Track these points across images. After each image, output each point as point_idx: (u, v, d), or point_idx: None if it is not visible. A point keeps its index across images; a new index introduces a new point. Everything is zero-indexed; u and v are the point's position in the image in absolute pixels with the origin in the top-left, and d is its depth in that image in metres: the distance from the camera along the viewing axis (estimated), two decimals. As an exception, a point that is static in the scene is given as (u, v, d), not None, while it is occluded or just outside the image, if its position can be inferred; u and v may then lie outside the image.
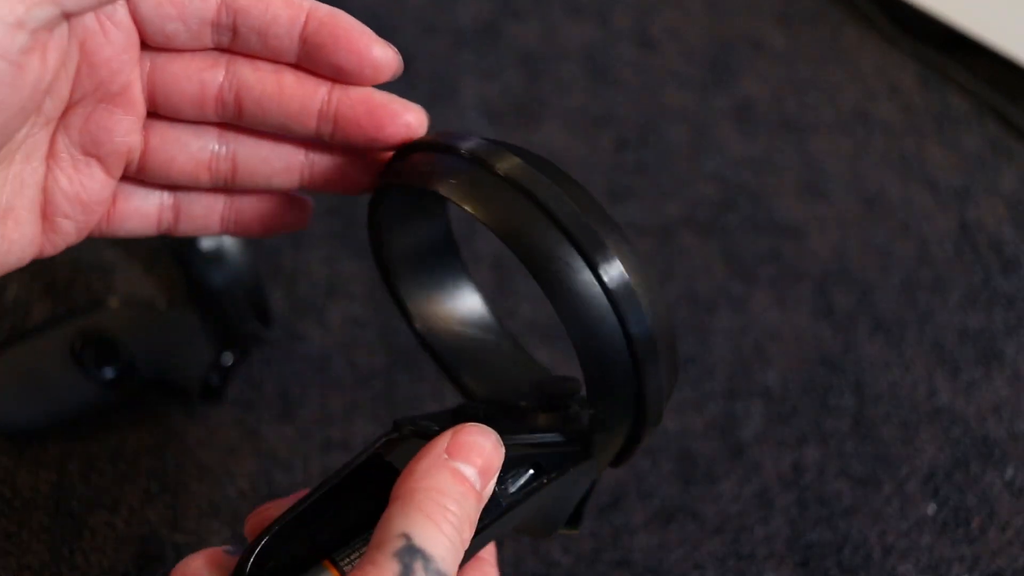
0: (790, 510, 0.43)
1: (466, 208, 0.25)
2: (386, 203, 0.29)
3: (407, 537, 0.24)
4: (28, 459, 0.42)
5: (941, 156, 0.59)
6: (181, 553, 0.40)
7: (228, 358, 0.42)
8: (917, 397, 0.47)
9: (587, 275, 0.24)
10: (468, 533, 0.25)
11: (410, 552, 0.23)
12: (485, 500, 0.26)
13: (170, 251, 0.42)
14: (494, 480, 0.26)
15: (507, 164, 0.25)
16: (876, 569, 0.42)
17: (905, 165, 0.58)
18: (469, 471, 0.25)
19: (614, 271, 0.24)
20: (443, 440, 0.26)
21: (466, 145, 0.26)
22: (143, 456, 0.43)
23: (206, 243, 0.40)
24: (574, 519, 0.30)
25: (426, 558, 0.24)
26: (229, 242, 0.40)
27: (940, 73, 0.63)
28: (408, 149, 0.28)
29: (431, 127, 0.29)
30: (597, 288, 0.24)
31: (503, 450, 0.26)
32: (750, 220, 0.55)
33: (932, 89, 0.62)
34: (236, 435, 0.44)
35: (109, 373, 0.40)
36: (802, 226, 0.54)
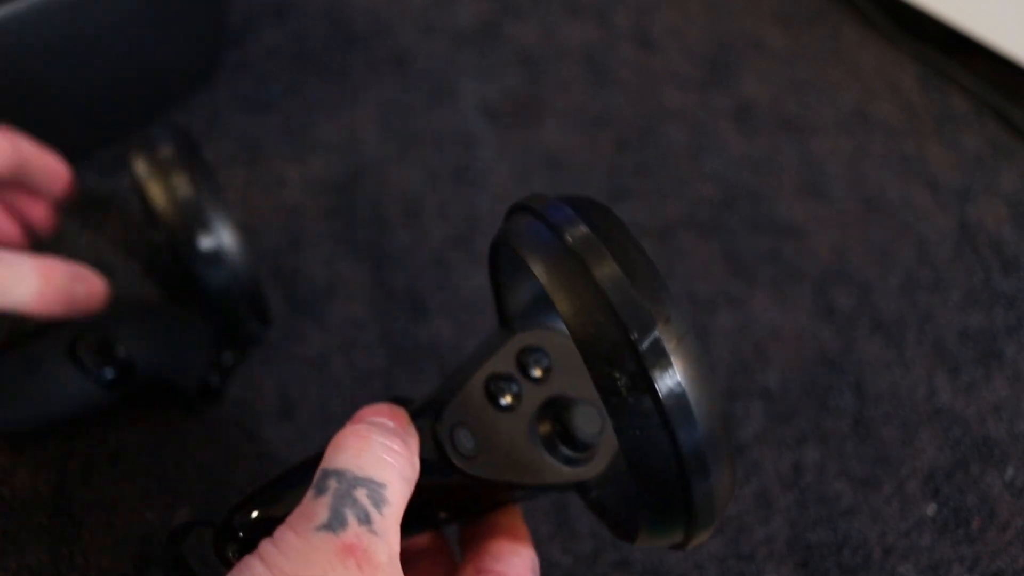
0: (790, 510, 0.43)
1: (546, 290, 0.25)
2: (502, 254, 0.30)
3: (321, 470, 0.27)
4: (28, 459, 0.42)
5: (941, 156, 0.59)
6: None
7: (228, 358, 0.42)
8: (917, 397, 0.47)
9: (645, 400, 0.23)
10: (386, 454, 0.27)
11: (323, 476, 0.26)
12: (405, 437, 0.28)
13: (170, 251, 0.42)
14: (408, 424, 0.29)
15: (602, 270, 0.24)
16: (876, 569, 0.42)
17: (905, 165, 0.58)
18: (371, 419, 0.28)
19: (671, 381, 0.23)
20: (370, 406, 0.29)
21: (570, 231, 0.25)
22: (143, 456, 0.43)
23: (205, 243, 0.39)
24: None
25: (339, 473, 0.26)
26: (229, 242, 0.40)
27: (940, 73, 0.63)
28: (522, 208, 0.28)
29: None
30: (651, 405, 0.23)
31: (400, 409, 0.29)
32: (750, 220, 0.54)
33: (932, 89, 0.62)
34: (236, 435, 0.44)
35: (109, 373, 0.40)
36: (802, 226, 0.54)
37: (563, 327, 0.30)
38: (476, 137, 0.56)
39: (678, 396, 0.23)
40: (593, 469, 0.30)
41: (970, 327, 0.50)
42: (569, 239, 0.25)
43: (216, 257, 0.38)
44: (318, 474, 0.27)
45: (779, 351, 0.49)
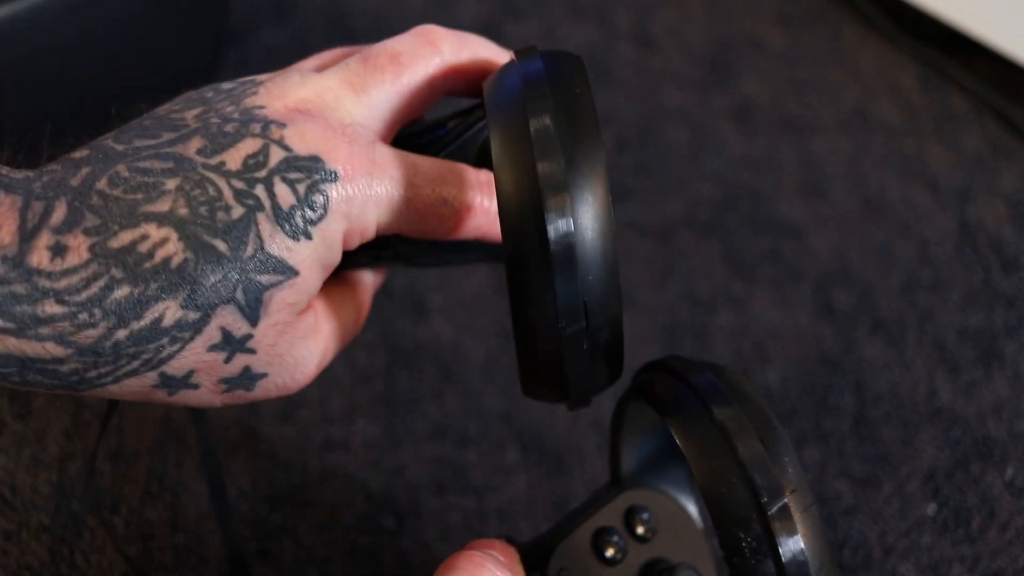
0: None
1: (685, 454, 0.26)
2: (631, 410, 0.31)
3: None
4: (28, 459, 0.42)
5: (941, 156, 0.59)
6: (181, 553, 0.40)
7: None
8: (917, 397, 0.47)
9: (768, 563, 0.25)
10: None
11: None
12: (506, 564, 0.28)
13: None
14: (517, 562, 0.29)
15: (745, 444, 0.26)
16: (876, 569, 0.42)
17: (905, 165, 0.58)
18: (483, 550, 0.28)
19: (795, 547, 0.25)
20: (488, 540, 0.29)
21: (717, 405, 0.27)
22: (143, 456, 0.43)
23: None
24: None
25: None
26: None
27: (940, 73, 0.63)
28: (661, 366, 0.30)
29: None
30: (772, 569, 0.25)
31: (512, 548, 0.29)
32: (750, 220, 0.54)
33: (932, 89, 0.62)
34: (236, 435, 0.44)
35: None
36: (802, 226, 0.54)
37: (672, 491, 0.32)
38: (476, 137, 0.56)
39: (800, 563, 0.24)
40: None
41: (970, 327, 0.50)
42: (716, 412, 0.26)
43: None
44: None
45: (779, 351, 0.49)
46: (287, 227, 0.25)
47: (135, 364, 0.24)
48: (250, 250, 0.25)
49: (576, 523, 0.31)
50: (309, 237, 0.26)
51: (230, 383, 0.26)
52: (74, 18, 0.44)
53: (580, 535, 0.31)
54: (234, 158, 0.26)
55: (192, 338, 0.24)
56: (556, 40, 0.64)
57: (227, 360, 0.25)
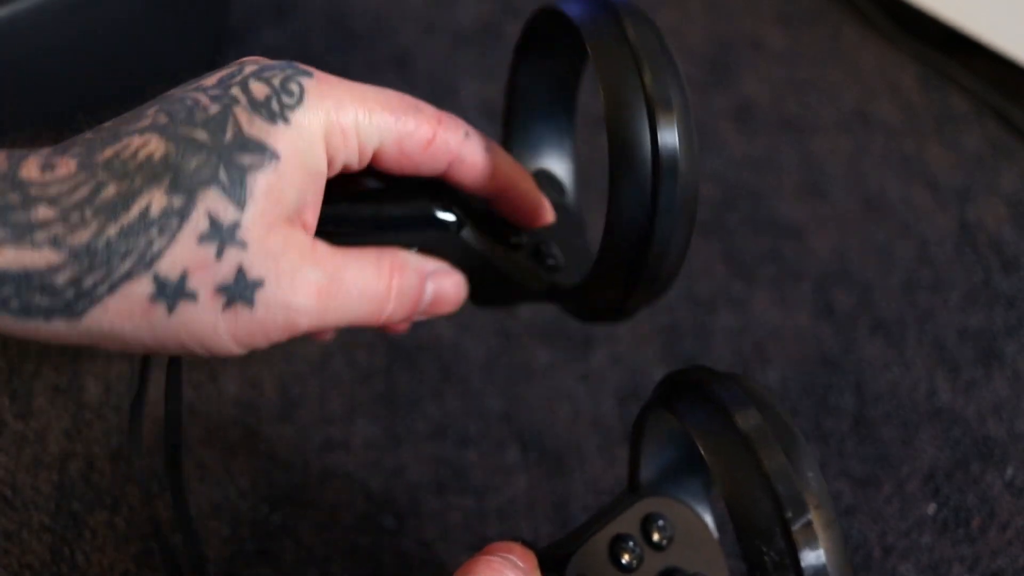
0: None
1: (710, 466, 0.26)
2: (653, 419, 0.31)
3: None
4: (28, 458, 0.42)
5: (941, 156, 0.59)
6: (181, 553, 0.40)
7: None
8: (917, 397, 0.47)
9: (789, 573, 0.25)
10: None
11: None
12: (525, 570, 0.28)
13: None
14: (536, 568, 0.29)
15: (770, 458, 0.26)
16: (876, 569, 0.42)
17: (905, 165, 0.58)
18: (503, 555, 0.28)
19: (816, 562, 0.25)
20: (506, 543, 0.29)
21: (742, 416, 0.27)
22: (143, 455, 0.43)
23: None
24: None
25: None
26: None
27: (940, 73, 0.63)
28: (686, 376, 0.30)
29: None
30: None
31: (531, 553, 0.29)
32: (750, 220, 0.55)
33: (932, 89, 0.62)
34: (236, 435, 0.44)
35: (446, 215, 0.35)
36: (802, 226, 0.54)
37: (689, 500, 0.32)
38: (476, 137, 0.56)
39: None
40: None
41: (970, 327, 0.50)
42: (741, 424, 0.26)
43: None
44: None
45: (779, 351, 0.49)
46: (264, 112, 0.27)
47: (128, 263, 0.24)
48: (229, 135, 0.26)
49: (594, 529, 0.31)
50: (287, 121, 0.27)
51: (229, 293, 0.26)
52: (74, 18, 0.45)
53: (597, 541, 0.31)
54: (210, 79, 0.28)
55: (180, 226, 0.25)
56: (556, 40, 0.64)
57: (218, 255, 0.25)
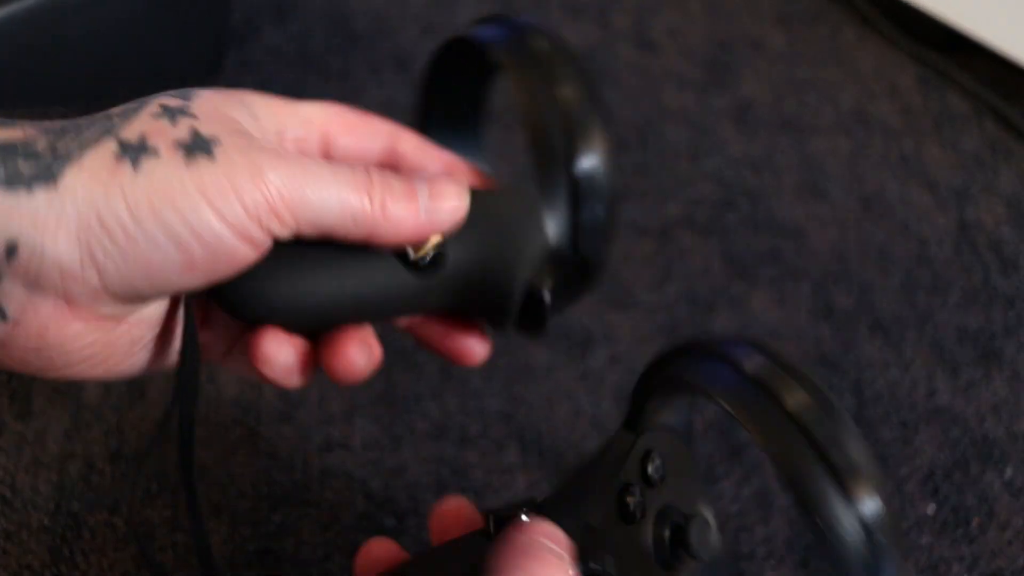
0: (790, 510, 0.43)
1: (748, 430, 0.27)
2: (652, 392, 0.31)
3: None
4: (28, 459, 0.42)
5: (940, 156, 0.59)
6: (181, 553, 0.40)
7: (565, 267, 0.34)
8: (916, 397, 0.47)
9: (855, 529, 0.26)
10: None
11: None
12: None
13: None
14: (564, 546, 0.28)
15: (794, 399, 0.27)
16: (875, 569, 0.42)
17: (904, 165, 0.58)
18: (551, 545, 0.27)
19: (876, 511, 0.26)
20: (537, 523, 0.28)
21: (749, 364, 0.28)
22: (143, 456, 0.43)
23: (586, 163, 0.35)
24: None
25: None
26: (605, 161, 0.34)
27: (939, 74, 0.63)
28: (683, 350, 0.30)
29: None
30: (860, 536, 0.26)
31: (566, 539, 0.28)
32: (750, 220, 0.55)
33: (931, 89, 0.63)
34: (236, 435, 0.44)
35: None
36: (802, 226, 0.54)
37: (676, 427, 0.32)
38: (476, 137, 0.56)
39: (880, 517, 0.25)
40: None
41: (969, 327, 0.50)
42: (751, 371, 0.27)
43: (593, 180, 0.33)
44: None
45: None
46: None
47: (94, 132, 0.26)
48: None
49: (602, 480, 0.31)
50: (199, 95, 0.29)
51: (186, 147, 0.26)
52: (76, 18, 0.45)
53: (605, 490, 0.30)
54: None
55: (136, 111, 0.27)
56: (556, 40, 0.64)
57: (172, 122, 0.27)
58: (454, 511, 0.33)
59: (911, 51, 0.64)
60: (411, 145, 0.33)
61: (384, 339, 0.48)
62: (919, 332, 0.50)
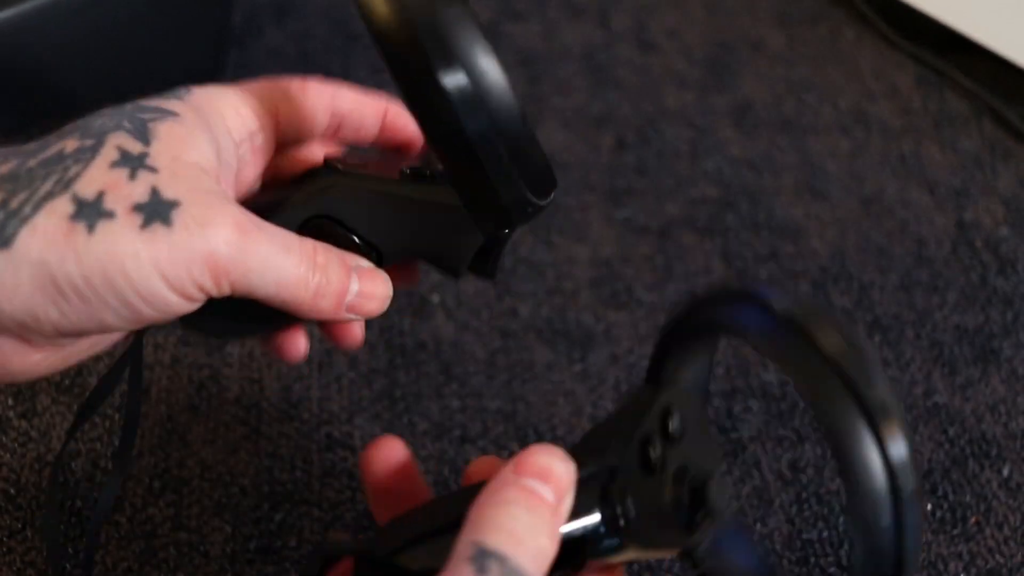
0: (789, 508, 0.43)
1: (782, 369, 0.27)
2: (678, 340, 0.31)
3: (477, 544, 0.25)
4: (32, 457, 0.42)
5: (939, 157, 0.59)
6: (183, 552, 0.40)
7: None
8: (914, 396, 0.48)
9: (881, 471, 0.26)
10: (546, 540, 0.26)
11: (482, 555, 0.24)
12: (562, 514, 0.27)
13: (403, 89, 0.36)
14: (568, 495, 0.27)
15: (827, 339, 0.27)
16: (874, 567, 0.42)
17: (903, 165, 0.58)
18: (536, 484, 0.27)
19: (902, 451, 0.26)
20: (511, 461, 0.27)
21: (780, 305, 0.27)
22: (145, 455, 0.43)
23: (452, 79, 0.33)
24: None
25: (500, 558, 0.24)
26: (487, 74, 0.32)
27: (938, 74, 0.64)
28: (713, 295, 0.30)
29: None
30: (884, 475, 0.26)
31: (572, 465, 0.28)
32: (750, 220, 0.55)
33: (930, 90, 0.63)
34: (238, 434, 0.44)
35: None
36: (801, 226, 0.55)
37: (693, 389, 0.32)
38: (477, 137, 0.56)
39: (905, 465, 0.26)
40: (703, 536, 0.30)
41: (967, 326, 0.50)
42: (783, 312, 0.27)
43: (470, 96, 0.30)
44: (474, 547, 0.25)
45: (778, 350, 0.49)
46: (151, 106, 0.29)
47: (48, 184, 0.26)
48: (128, 107, 0.28)
49: (625, 431, 0.31)
50: (179, 98, 0.29)
51: (145, 211, 0.26)
52: (78, 19, 0.45)
53: (631, 447, 0.30)
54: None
55: (93, 157, 0.27)
56: (556, 40, 0.64)
57: (131, 176, 0.27)
58: (486, 470, 0.32)
59: (910, 52, 0.64)
60: (349, 101, 0.35)
61: (385, 337, 0.48)
62: (917, 331, 0.50)
